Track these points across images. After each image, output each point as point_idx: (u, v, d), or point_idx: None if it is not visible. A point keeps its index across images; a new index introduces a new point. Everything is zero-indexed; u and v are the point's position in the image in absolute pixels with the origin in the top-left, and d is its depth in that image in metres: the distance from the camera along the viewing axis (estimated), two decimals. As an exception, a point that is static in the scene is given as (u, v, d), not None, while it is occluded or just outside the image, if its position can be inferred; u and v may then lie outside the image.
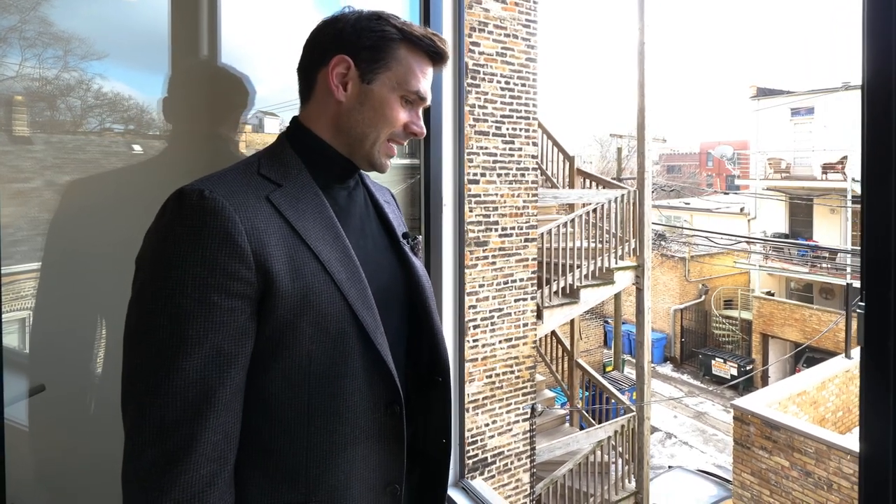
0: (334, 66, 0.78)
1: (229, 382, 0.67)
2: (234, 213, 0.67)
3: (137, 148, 1.17)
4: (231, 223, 0.67)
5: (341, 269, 0.74)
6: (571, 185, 6.62)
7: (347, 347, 0.74)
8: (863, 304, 0.60)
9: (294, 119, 0.85)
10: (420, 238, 0.98)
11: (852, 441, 5.40)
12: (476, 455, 4.66)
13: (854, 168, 13.51)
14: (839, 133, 14.38)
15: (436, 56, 0.82)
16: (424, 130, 0.85)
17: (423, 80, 0.82)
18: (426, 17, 1.37)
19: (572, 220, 5.64)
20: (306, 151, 0.81)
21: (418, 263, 0.91)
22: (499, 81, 4.63)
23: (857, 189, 13.16)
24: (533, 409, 5.04)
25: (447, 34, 1.41)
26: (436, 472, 0.90)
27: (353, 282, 0.75)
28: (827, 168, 14.30)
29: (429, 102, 0.84)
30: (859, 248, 0.61)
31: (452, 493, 1.45)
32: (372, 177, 0.98)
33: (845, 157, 13.72)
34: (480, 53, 4.52)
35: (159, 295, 0.65)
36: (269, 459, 0.72)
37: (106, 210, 1.12)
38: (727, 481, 8.07)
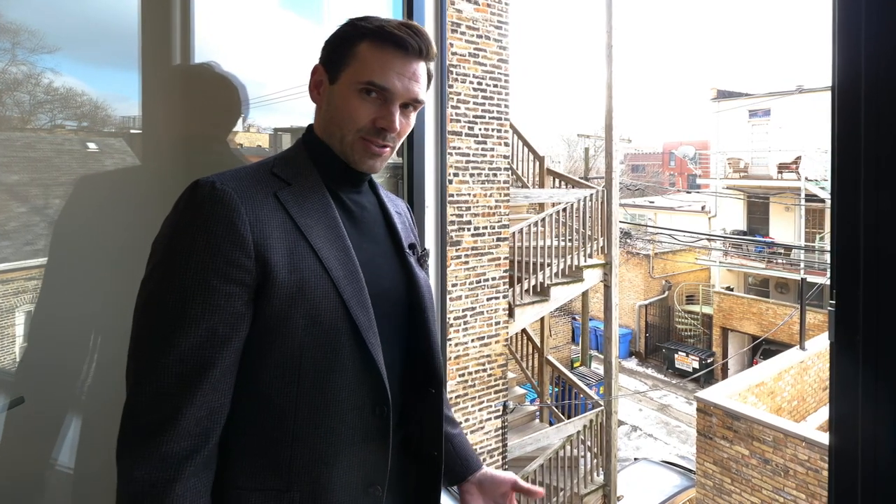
0: (312, 75, 0.85)
1: (220, 363, 0.70)
2: (241, 205, 0.72)
3: (92, 146, 1.12)
4: (236, 214, 0.71)
5: (339, 267, 0.77)
6: (542, 185, 6.70)
7: (339, 344, 0.76)
8: (833, 301, 0.62)
9: (309, 126, 0.89)
10: (429, 250, 0.97)
11: (807, 429, 5.67)
12: (449, 454, 4.67)
13: (808, 168, 14.16)
14: (794, 134, 15.04)
15: (401, 43, 0.80)
16: (395, 125, 0.81)
17: (385, 71, 0.79)
18: (409, 18, 1.37)
19: (543, 220, 5.70)
20: (316, 155, 0.85)
21: (422, 275, 0.93)
22: (471, 82, 4.64)
23: (811, 188, 13.83)
24: (504, 406, 5.09)
25: (429, 35, 1.41)
26: (429, 480, 0.91)
27: (349, 280, 0.78)
28: (782, 168, 14.95)
29: (402, 94, 0.81)
30: (829, 249, 0.63)
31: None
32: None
33: (799, 158, 14.36)
34: (453, 54, 4.52)
35: (166, 275, 0.70)
36: (256, 446, 0.75)
37: (100, 217, 1.08)
38: (690, 471, 8.35)
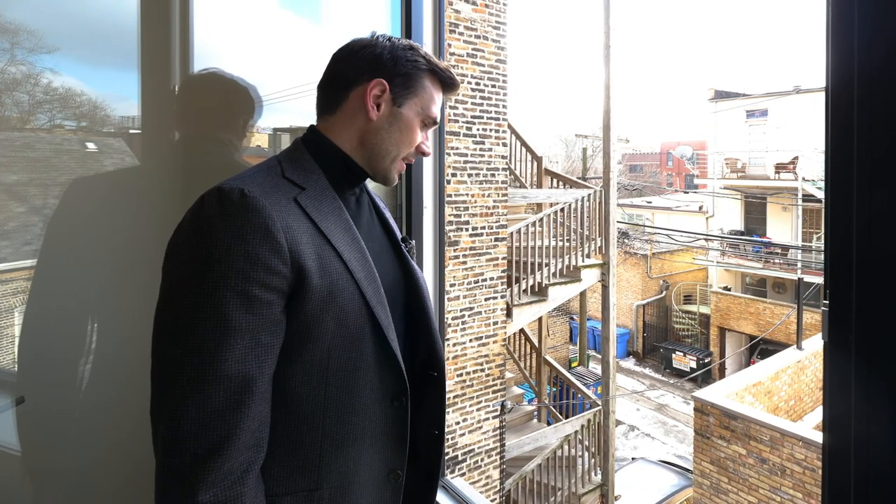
0: (372, 88, 0.85)
1: (266, 372, 0.71)
2: (272, 212, 0.72)
3: (91, 146, 1.12)
4: (271, 221, 0.71)
5: (360, 269, 0.80)
6: (539, 185, 6.70)
7: (363, 342, 0.79)
8: (827, 301, 0.63)
9: (313, 128, 0.90)
10: (413, 242, 1.02)
11: (804, 428, 5.68)
12: (447, 453, 4.67)
13: (805, 168, 14.20)
14: (791, 134, 15.07)
15: (451, 86, 0.92)
16: (431, 151, 0.93)
17: (438, 108, 0.91)
18: (407, 18, 1.37)
19: (541, 220, 5.71)
20: (324, 159, 0.86)
21: (415, 266, 0.98)
22: (469, 82, 4.65)
23: (808, 188, 13.85)
24: (503, 406, 5.09)
25: (427, 35, 1.42)
26: (430, 462, 0.94)
27: (369, 280, 0.81)
28: (779, 168, 14.98)
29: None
30: (824, 249, 0.63)
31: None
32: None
33: (796, 158, 14.39)
34: (451, 54, 4.53)
35: (202, 288, 0.68)
36: (284, 449, 0.75)
37: (97, 216, 1.08)
38: (688, 470, 8.36)
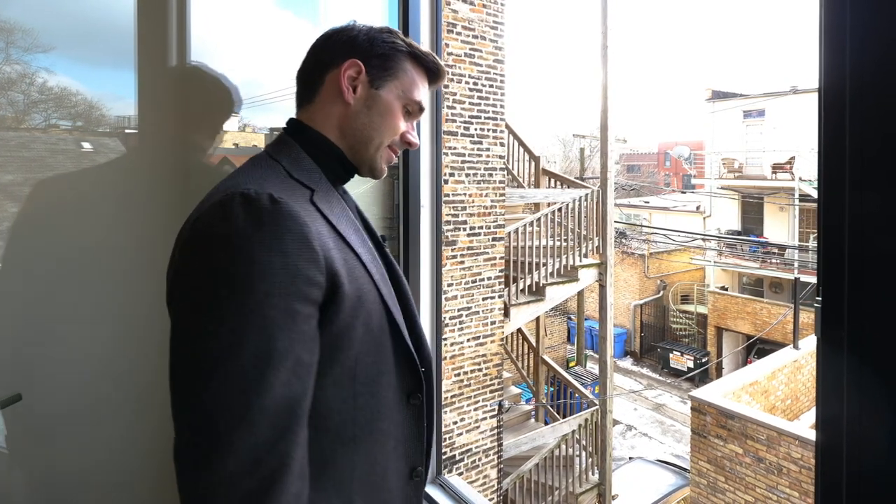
0: (346, 69, 0.80)
1: (309, 393, 0.65)
2: (306, 217, 0.66)
3: (86, 145, 1.12)
4: (306, 227, 0.65)
5: (375, 270, 0.77)
6: (537, 185, 6.72)
7: (384, 345, 0.76)
8: (819, 298, 0.63)
9: (295, 121, 0.84)
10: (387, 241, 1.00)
11: (800, 427, 5.70)
12: (445, 453, 4.67)
13: (801, 168, 14.25)
14: (788, 134, 15.12)
15: (435, 73, 0.86)
16: (419, 142, 0.90)
17: (423, 94, 0.85)
18: (405, 18, 1.37)
19: (538, 219, 5.72)
20: (319, 155, 0.80)
21: (395, 262, 0.95)
22: (467, 82, 4.65)
23: (805, 188, 13.89)
24: (500, 405, 5.10)
25: (424, 35, 1.43)
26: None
27: (383, 280, 0.78)
28: (776, 168, 15.03)
29: (422, 115, 0.88)
30: (817, 248, 0.64)
31: (430, 489, 1.47)
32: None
33: (793, 158, 14.44)
34: (449, 54, 4.53)
35: (244, 308, 0.60)
36: (317, 469, 0.69)
37: (92, 215, 1.08)
38: (685, 470, 8.38)
